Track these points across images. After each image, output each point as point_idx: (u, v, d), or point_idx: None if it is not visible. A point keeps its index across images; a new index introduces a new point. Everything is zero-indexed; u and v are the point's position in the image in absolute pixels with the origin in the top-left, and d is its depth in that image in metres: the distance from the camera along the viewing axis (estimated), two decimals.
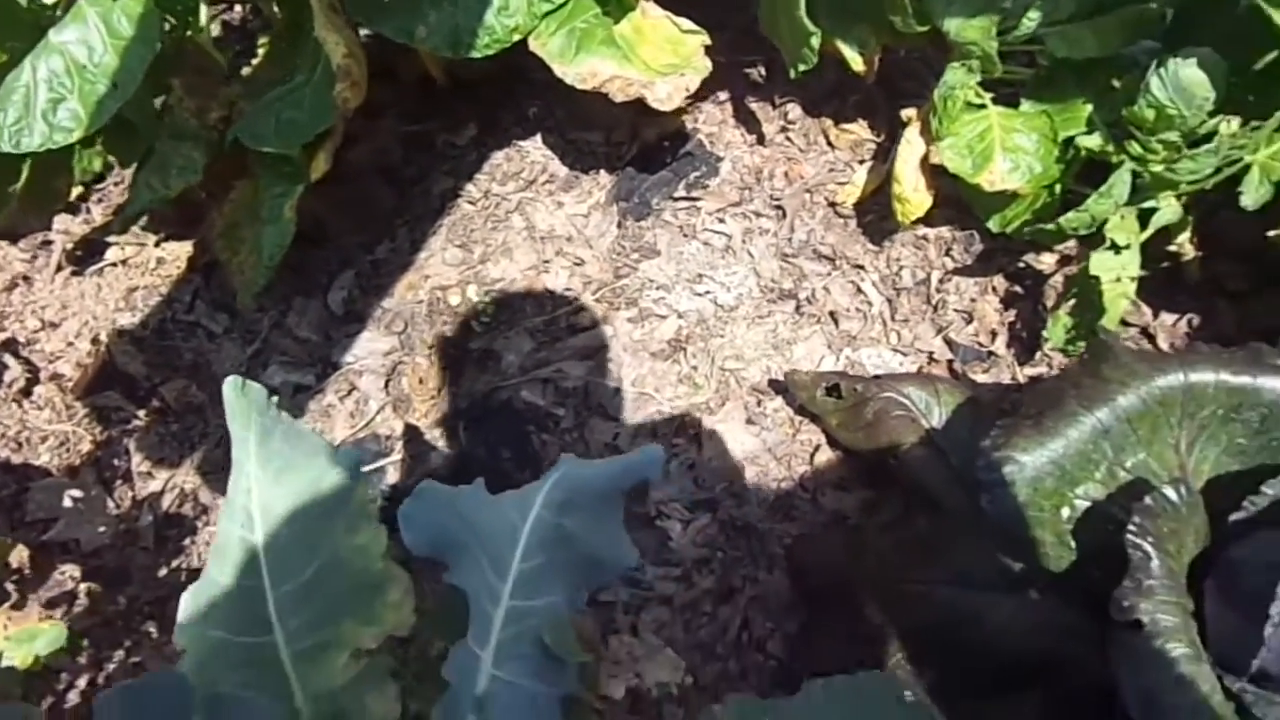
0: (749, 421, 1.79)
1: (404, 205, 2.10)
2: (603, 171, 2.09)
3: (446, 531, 0.96)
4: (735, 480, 1.74)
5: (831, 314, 1.88)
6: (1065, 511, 1.26)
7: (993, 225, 1.80)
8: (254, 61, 2.10)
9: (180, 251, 2.06)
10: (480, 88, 2.19)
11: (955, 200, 1.90)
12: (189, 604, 0.97)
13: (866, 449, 1.63)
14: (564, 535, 0.94)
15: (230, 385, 0.97)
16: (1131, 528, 1.15)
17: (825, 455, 1.75)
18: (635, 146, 2.10)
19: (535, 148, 2.15)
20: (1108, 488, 1.26)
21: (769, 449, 1.76)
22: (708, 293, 1.93)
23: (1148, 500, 1.17)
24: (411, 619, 0.97)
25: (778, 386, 1.81)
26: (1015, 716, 1.33)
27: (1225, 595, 1.18)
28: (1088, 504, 1.26)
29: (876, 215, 1.98)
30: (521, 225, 2.05)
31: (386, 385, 1.88)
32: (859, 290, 1.91)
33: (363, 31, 1.78)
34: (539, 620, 0.90)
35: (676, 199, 2.04)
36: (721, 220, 2.01)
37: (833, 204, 2.01)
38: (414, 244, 2.05)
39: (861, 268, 1.93)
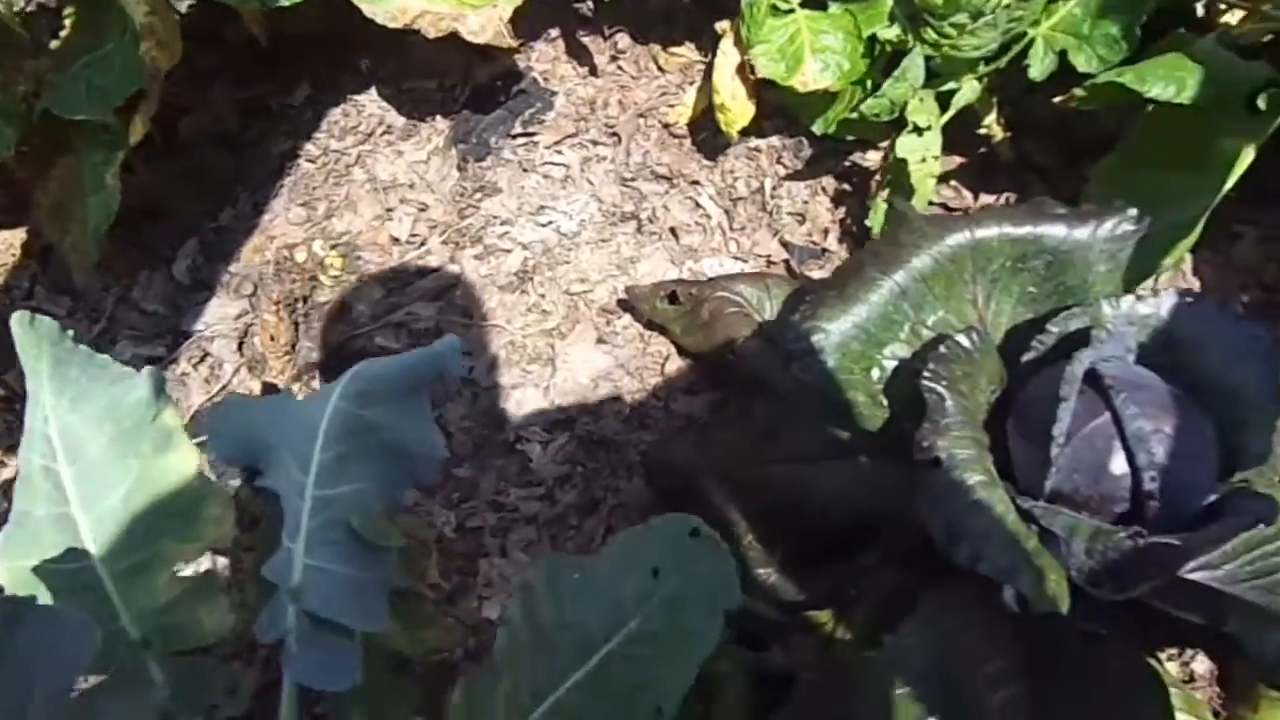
0: (600, 341, 1.84)
1: (243, 170, 2.08)
2: (439, 117, 2.10)
3: (252, 438, 0.98)
4: (590, 398, 1.78)
5: (672, 230, 1.93)
6: (875, 373, 1.33)
7: (816, 128, 1.86)
8: (63, 34, 2.06)
9: (13, 239, 2.02)
10: (310, 47, 2.17)
11: (783, 111, 1.97)
12: (3, 541, 0.98)
13: (708, 349, 1.68)
14: (365, 425, 0.97)
15: (17, 320, 0.98)
16: (926, 373, 1.22)
17: (675, 364, 1.80)
18: (468, 89, 2.11)
19: (371, 100, 2.15)
20: (912, 346, 1.33)
21: (621, 365, 1.81)
22: (550, 222, 1.96)
23: (941, 348, 1.25)
24: (233, 532, 0.99)
25: (625, 305, 1.86)
26: (857, 576, 1.40)
27: (1021, 430, 1.27)
28: (895, 363, 1.33)
29: (709, 132, 2.02)
30: (363, 178, 2.05)
31: (240, 347, 1.88)
32: (697, 205, 1.96)
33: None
34: (346, 507, 0.93)
35: (514, 136, 2.06)
36: (559, 152, 2.04)
37: (666, 126, 2.05)
38: (256, 207, 2.04)
39: (698, 183, 1.98)
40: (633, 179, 2.00)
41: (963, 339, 1.26)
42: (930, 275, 1.33)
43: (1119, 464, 1.17)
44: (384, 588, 0.96)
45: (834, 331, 1.31)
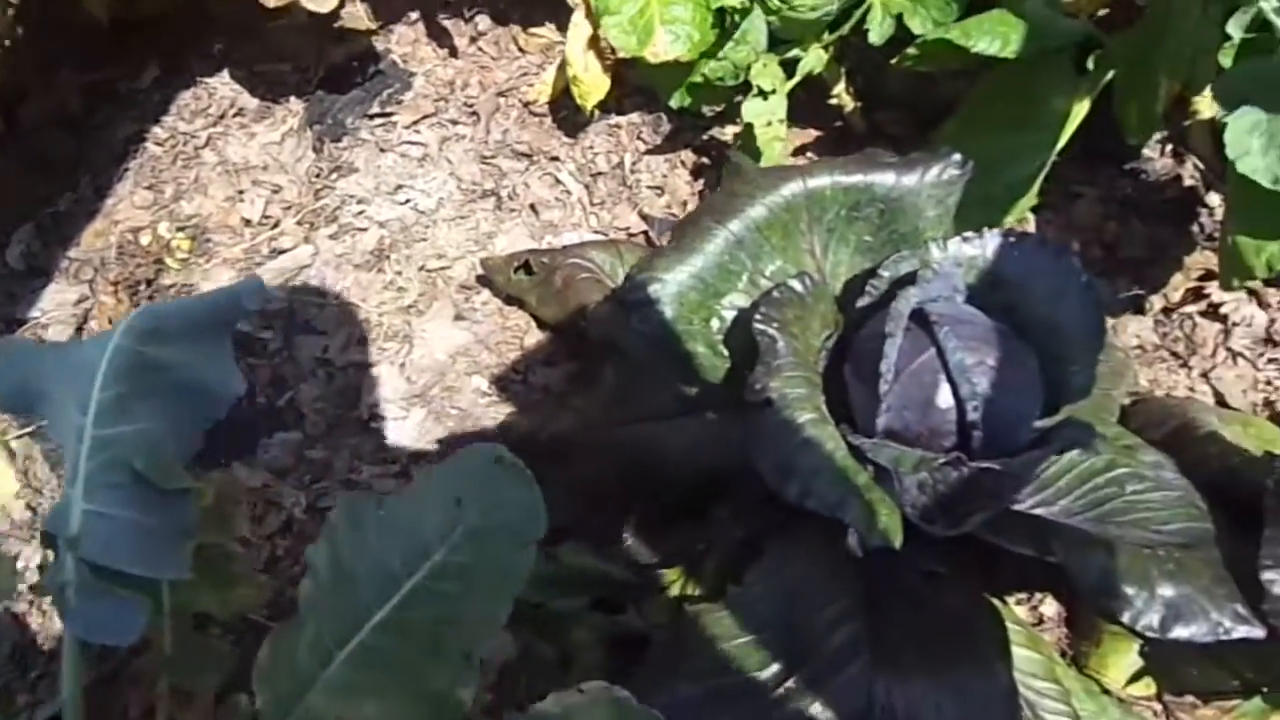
0: (458, 317, 1.80)
1: (87, 154, 2.00)
2: (294, 99, 2.05)
3: (31, 383, 0.92)
4: (447, 373, 1.75)
5: (532, 206, 1.91)
6: (715, 323, 1.32)
7: (672, 101, 1.86)
8: None
9: None
10: (159, 29, 2.11)
11: (642, 89, 1.97)
12: None
13: (563, 319, 1.66)
14: (151, 363, 0.92)
15: None
16: (758, 316, 1.22)
17: (534, 338, 1.78)
18: (323, 71, 2.07)
19: (223, 83, 2.09)
20: (751, 296, 1.33)
21: (480, 340, 1.78)
22: (408, 201, 1.92)
23: (774, 293, 1.25)
24: (14, 484, 0.93)
25: (484, 281, 1.83)
26: (708, 532, 1.39)
27: (856, 372, 1.27)
28: (734, 313, 1.33)
29: (569, 110, 2.01)
30: (214, 160, 1.99)
31: (79, 332, 1.79)
32: (557, 181, 1.94)
33: None
34: (128, 448, 0.88)
35: (371, 117, 2.02)
36: (418, 131, 2.01)
37: (526, 104, 2.03)
38: (99, 191, 1.96)
39: (558, 159, 1.97)
40: (492, 156, 1.97)
41: (794, 283, 1.26)
42: (766, 225, 1.33)
43: (944, 397, 1.18)
44: (180, 536, 0.90)
45: (670, 281, 1.30)
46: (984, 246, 1.28)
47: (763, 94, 1.62)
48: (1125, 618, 1.10)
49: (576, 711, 0.86)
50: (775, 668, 1.19)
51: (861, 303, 1.30)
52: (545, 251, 1.70)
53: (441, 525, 0.88)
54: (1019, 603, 1.48)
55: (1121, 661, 1.38)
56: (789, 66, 1.70)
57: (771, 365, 1.18)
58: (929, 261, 1.27)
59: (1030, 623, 1.47)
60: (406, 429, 1.69)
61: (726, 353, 1.32)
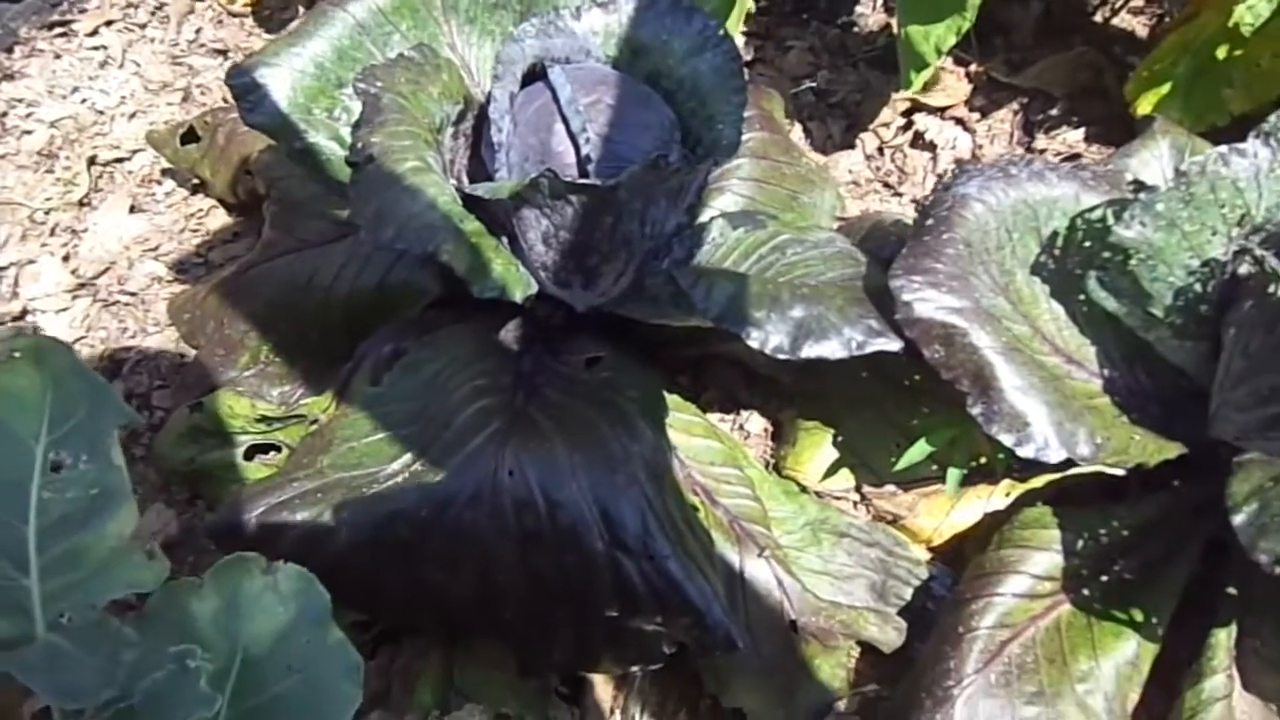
0: (135, 209, 1.66)
1: None
2: None
3: None
4: (118, 263, 1.59)
5: (224, 99, 1.78)
6: (340, 113, 1.21)
7: None
8: None
9: None
10: None
11: None
12: None
13: (230, 179, 1.53)
14: None
15: None
16: (361, 80, 1.11)
17: (218, 220, 1.65)
18: None
19: None
20: None
21: (160, 229, 1.64)
22: (85, 100, 1.77)
23: (385, 62, 1.15)
24: None
25: (169, 174, 1.69)
26: (360, 350, 1.27)
27: (486, 141, 1.17)
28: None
29: (274, 9, 1.91)
30: None
31: None
32: None
33: None
34: None
35: (49, 26, 1.88)
36: (100, 35, 1.87)
37: (224, 5, 1.92)
38: None
39: None
40: (184, 56, 1.85)
41: (410, 52, 1.16)
42: (392, 9, 1.23)
43: (560, 139, 1.09)
44: None
45: (282, 66, 1.19)
46: (619, 12, 1.21)
47: None
48: (754, 340, 1.01)
49: None
50: (406, 458, 1.07)
51: (495, 71, 1.20)
52: (208, 111, 1.57)
53: None
54: (725, 422, 1.39)
55: (817, 457, 1.29)
56: None
57: (375, 122, 1.08)
58: (562, 29, 1.19)
59: (740, 439, 1.37)
60: (65, 319, 1.53)
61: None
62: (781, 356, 1.01)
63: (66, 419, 0.65)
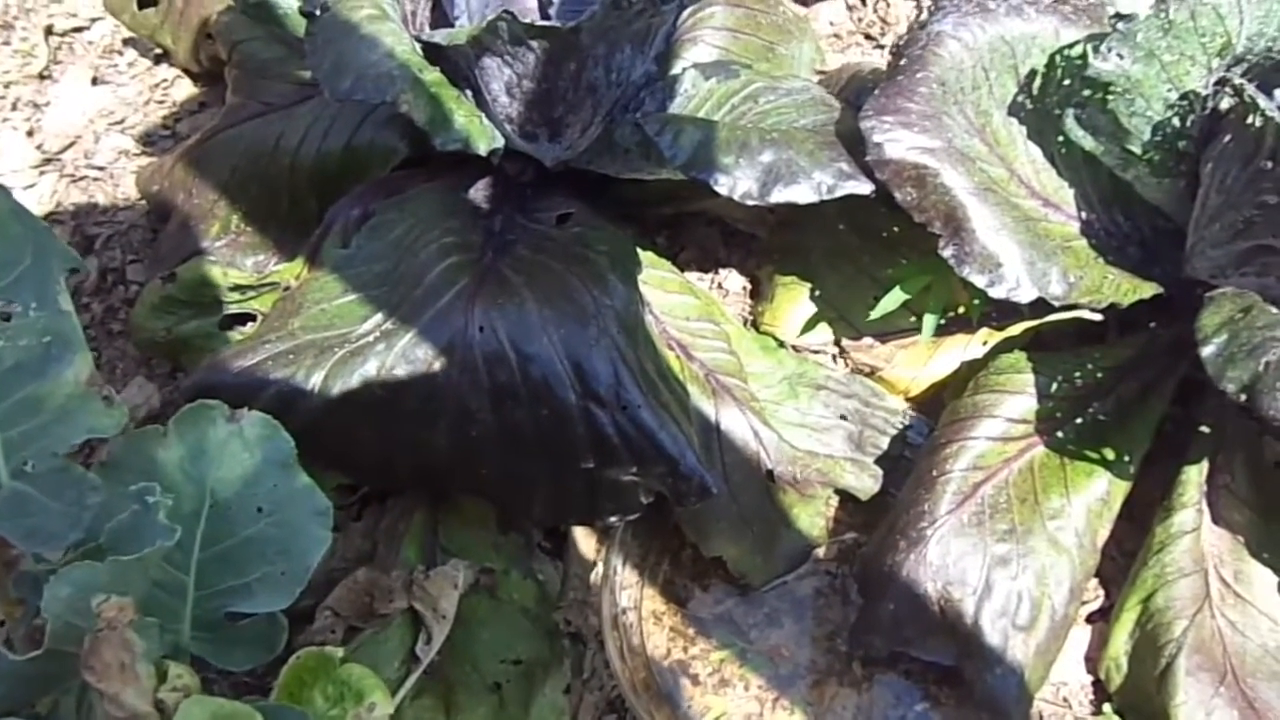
0: (98, 81, 1.62)
1: None
2: None
3: None
4: (83, 137, 1.56)
5: None
6: None
7: None
8: None
9: None
10: None
11: None
12: None
13: (192, 44, 1.49)
14: None
15: None
16: None
17: (184, 90, 1.61)
18: None
19: None
20: None
21: (125, 102, 1.60)
22: None
23: None
24: None
25: (131, 41, 1.64)
26: (329, 214, 1.25)
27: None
28: None
29: None
30: None
31: None
32: None
33: None
34: None
35: None
36: None
37: None
38: None
39: None
40: None
41: None
42: None
43: None
44: None
45: None
46: None
47: None
48: (722, 186, 1.00)
49: None
50: (378, 318, 1.06)
51: None
52: None
53: None
54: (700, 279, 1.38)
55: (794, 311, 1.29)
56: None
57: None
58: None
59: (720, 296, 1.37)
60: (35, 196, 1.50)
61: None
62: (750, 202, 1.00)
63: (12, 266, 0.64)
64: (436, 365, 1.01)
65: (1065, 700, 1.13)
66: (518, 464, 1.05)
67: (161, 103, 1.60)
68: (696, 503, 1.04)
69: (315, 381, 1.03)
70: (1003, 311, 1.23)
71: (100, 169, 1.53)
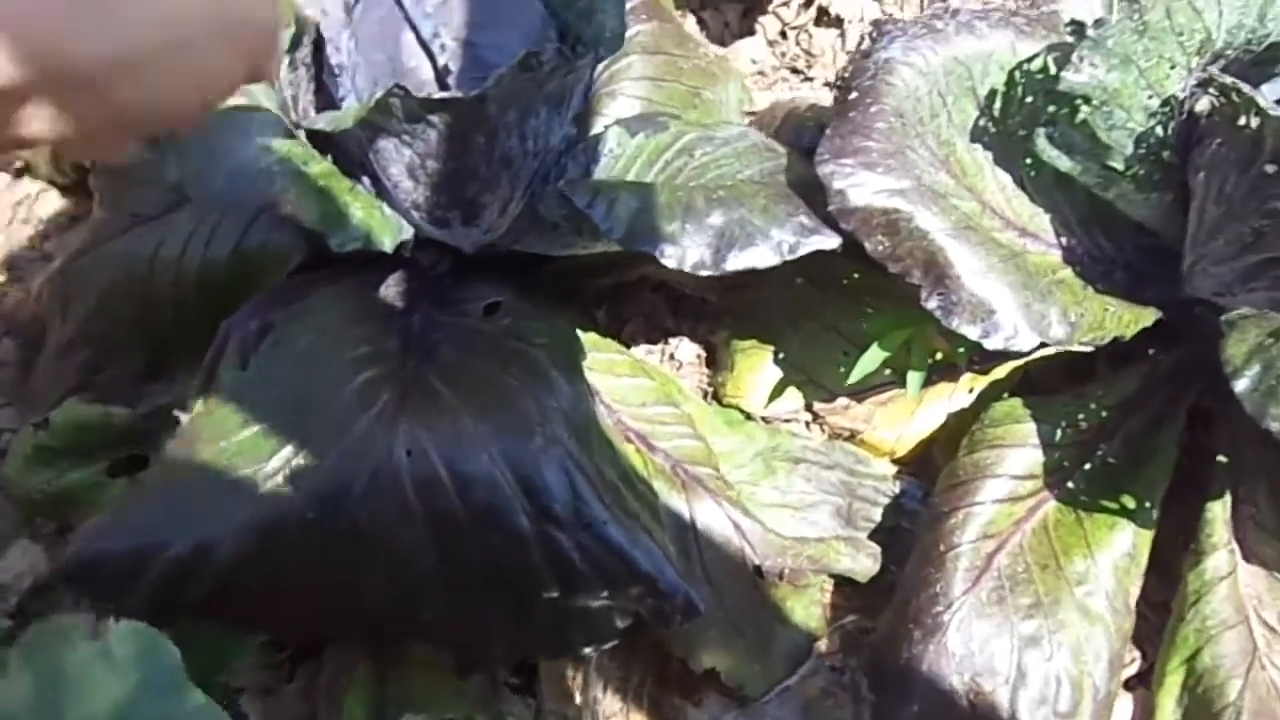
0: None
1: None
2: None
3: None
4: None
5: None
6: None
7: None
8: None
9: None
10: None
11: None
12: None
13: (54, 155, 1.32)
14: None
15: None
16: None
17: (49, 205, 1.44)
18: None
19: None
20: None
21: None
22: None
23: None
24: None
25: None
26: (225, 329, 1.09)
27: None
28: None
29: None
30: None
31: None
32: None
33: None
34: None
35: None
36: None
37: None
38: None
39: None
40: None
41: None
42: None
43: (411, 49, 0.91)
44: None
45: None
46: None
47: None
48: (670, 258, 0.87)
49: None
50: (286, 452, 0.91)
51: None
52: None
53: None
54: (654, 354, 1.25)
55: (758, 379, 1.16)
56: None
57: None
58: None
59: (671, 370, 1.24)
60: None
61: None
62: (704, 273, 0.87)
63: None
64: (359, 503, 0.86)
65: None
66: (468, 603, 0.90)
67: (26, 221, 1.43)
68: (683, 623, 0.90)
69: (217, 539, 0.87)
70: (984, 354, 1.12)
71: None
